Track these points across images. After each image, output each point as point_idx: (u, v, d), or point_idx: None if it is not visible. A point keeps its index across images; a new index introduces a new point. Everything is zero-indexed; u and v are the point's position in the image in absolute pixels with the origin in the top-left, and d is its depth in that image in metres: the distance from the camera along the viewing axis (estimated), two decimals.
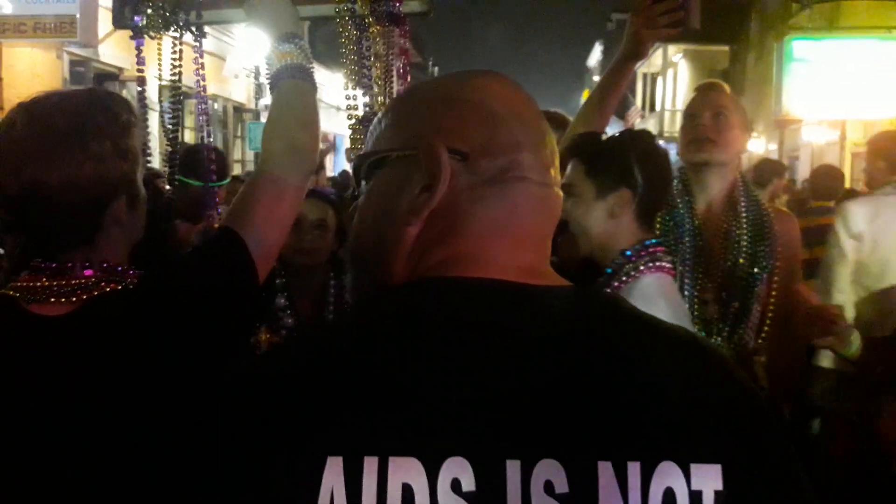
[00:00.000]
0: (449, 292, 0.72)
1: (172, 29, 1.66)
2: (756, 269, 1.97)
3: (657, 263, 1.50)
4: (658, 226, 2.00)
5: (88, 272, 1.10)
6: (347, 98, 1.59)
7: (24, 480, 1.07)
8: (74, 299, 1.08)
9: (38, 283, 1.09)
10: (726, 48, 20.60)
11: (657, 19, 1.76)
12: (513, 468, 0.63)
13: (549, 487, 0.63)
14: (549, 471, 0.63)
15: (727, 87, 2.16)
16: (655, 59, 25.38)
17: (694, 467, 0.65)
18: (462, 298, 0.71)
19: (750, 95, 17.83)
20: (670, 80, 24.69)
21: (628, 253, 1.50)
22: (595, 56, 40.57)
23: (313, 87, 1.36)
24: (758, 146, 17.40)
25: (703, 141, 1.99)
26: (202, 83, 1.71)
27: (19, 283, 1.11)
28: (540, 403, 0.65)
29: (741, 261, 1.98)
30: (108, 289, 1.10)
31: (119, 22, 1.68)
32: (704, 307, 1.95)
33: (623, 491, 0.63)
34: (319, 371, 0.67)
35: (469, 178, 0.75)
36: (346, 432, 0.64)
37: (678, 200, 2.04)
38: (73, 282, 1.09)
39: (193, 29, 1.65)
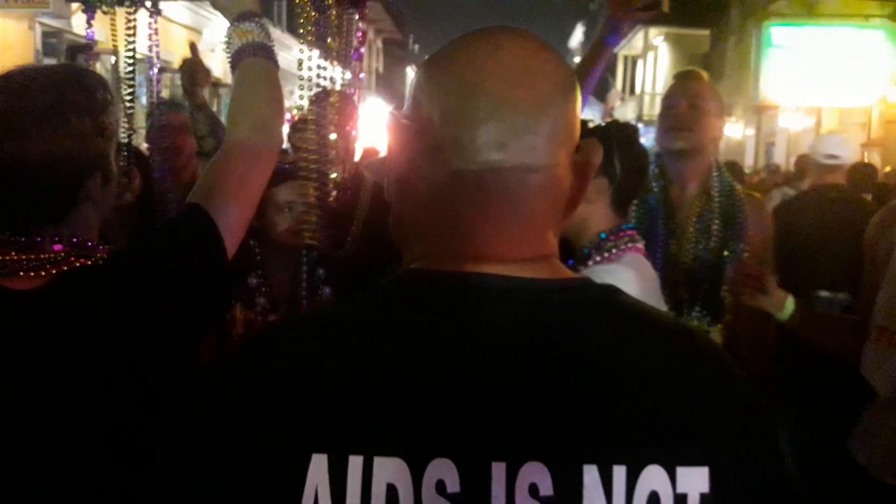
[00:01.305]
0: (433, 289, 0.71)
1: (126, 3, 1.63)
2: (726, 253, 2.03)
3: (634, 245, 1.57)
4: (633, 209, 2.05)
5: (57, 247, 1.10)
6: (301, 79, 1.59)
7: None
8: (44, 273, 1.08)
9: (7, 257, 1.09)
10: (707, 32, 20.68)
11: (633, 2, 1.78)
12: (498, 470, 0.63)
13: (533, 490, 0.63)
14: (535, 473, 0.63)
15: (705, 75, 2.21)
16: (636, 42, 25.40)
17: (680, 470, 0.65)
18: (446, 296, 0.70)
19: (729, 80, 17.92)
20: (651, 63, 24.75)
21: (604, 235, 1.56)
22: (577, 37, 40.48)
23: (275, 65, 1.36)
24: (735, 131, 17.54)
25: (680, 129, 2.05)
26: (155, 59, 1.70)
27: None
28: (526, 404, 0.65)
29: (711, 244, 2.04)
30: (77, 264, 1.10)
31: None
32: (675, 288, 2.00)
33: (608, 494, 0.63)
34: (305, 368, 0.67)
35: (443, 166, 0.71)
36: (332, 430, 0.64)
37: (653, 184, 2.09)
38: (42, 256, 1.09)
39: (148, 4, 1.63)
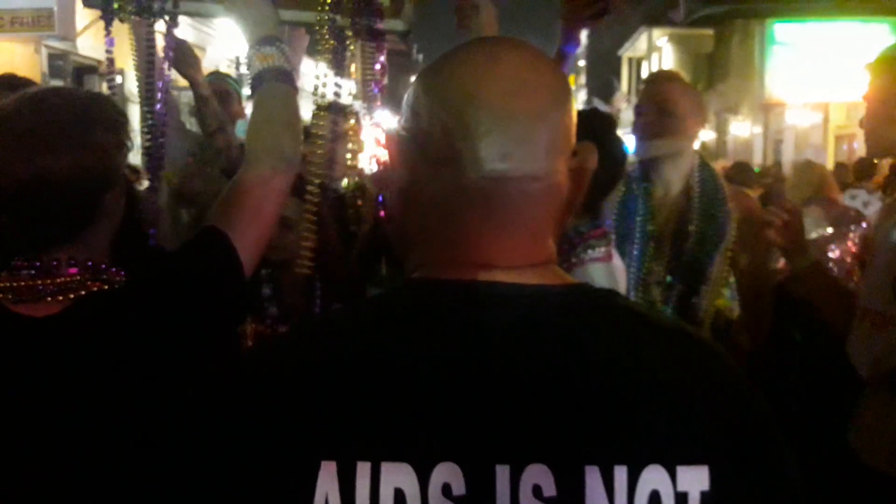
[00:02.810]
0: (435, 296, 0.72)
1: (145, 16, 1.63)
2: (705, 252, 2.01)
3: (591, 252, 1.51)
4: (615, 211, 2.04)
5: (73, 270, 1.09)
6: (315, 90, 1.60)
7: (21, 488, 1.06)
8: (61, 298, 1.08)
9: (22, 283, 1.08)
10: (711, 32, 20.64)
11: (582, 10, 1.73)
12: (502, 473, 0.64)
13: (537, 491, 0.64)
14: (538, 475, 0.64)
15: (676, 75, 2.19)
16: (640, 44, 25.39)
17: (681, 469, 0.65)
18: (449, 303, 0.71)
19: (735, 78, 17.86)
20: (655, 64, 24.71)
21: (570, 234, 1.49)
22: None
23: (294, 89, 1.39)
24: (743, 129, 17.47)
25: (651, 137, 2.03)
26: (167, 72, 1.71)
27: (1, 284, 1.09)
28: (528, 408, 0.66)
29: (688, 245, 2.01)
30: (94, 288, 1.09)
31: (90, 1, 1.65)
32: (647, 289, 1.99)
33: (609, 494, 0.64)
34: (312, 376, 0.68)
35: (447, 177, 0.72)
36: (339, 437, 0.65)
37: (634, 186, 2.08)
38: (59, 280, 1.08)
39: (166, 17, 1.63)
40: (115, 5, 1.61)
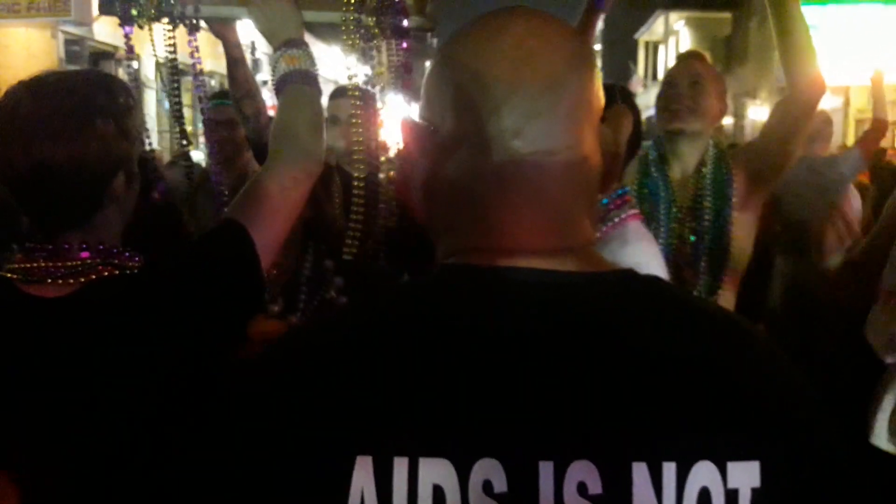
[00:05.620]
0: (467, 285, 0.69)
1: (165, 21, 1.63)
2: (721, 225, 2.03)
3: (634, 210, 1.55)
4: (634, 195, 2.05)
5: (84, 254, 1.10)
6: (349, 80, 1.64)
7: (25, 466, 1.06)
8: (72, 281, 1.09)
9: (35, 265, 1.09)
10: (728, 14, 20.36)
11: None
12: (545, 469, 0.61)
13: (582, 489, 0.61)
14: (583, 472, 0.61)
15: (706, 57, 2.23)
16: (657, 28, 25.14)
17: (731, 465, 0.62)
18: (477, 292, 0.68)
19: (753, 63, 17.65)
20: (672, 48, 24.44)
21: (605, 201, 1.53)
22: (597, 25, 40.08)
23: (319, 92, 1.41)
24: (761, 114, 17.26)
25: (680, 110, 2.04)
26: (199, 74, 1.71)
27: (15, 265, 1.11)
28: (572, 402, 0.63)
29: (705, 221, 2.04)
30: (105, 273, 1.10)
31: (106, 9, 1.65)
32: (679, 271, 1.99)
33: (657, 492, 0.61)
34: (346, 367, 0.66)
35: (461, 161, 0.70)
36: (376, 431, 0.62)
37: (652, 169, 2.10)
38: (69, 263, 1.09)
39: (187, 22, 1.63)
40: (134, 12, 1.61)
